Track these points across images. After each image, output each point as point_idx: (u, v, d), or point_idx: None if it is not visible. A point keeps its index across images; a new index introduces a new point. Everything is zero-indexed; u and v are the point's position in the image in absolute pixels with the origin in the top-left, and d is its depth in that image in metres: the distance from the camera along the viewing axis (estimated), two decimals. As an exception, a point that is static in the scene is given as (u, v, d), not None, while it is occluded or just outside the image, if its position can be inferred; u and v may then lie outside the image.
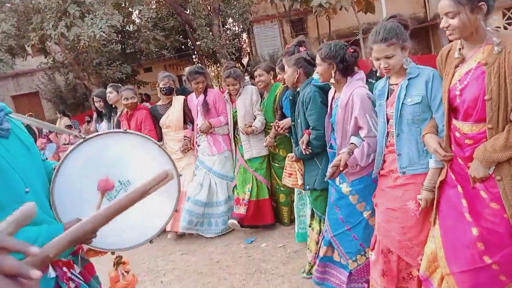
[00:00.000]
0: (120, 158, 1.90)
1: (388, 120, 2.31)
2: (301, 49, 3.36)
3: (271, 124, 4.15)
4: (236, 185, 4.46)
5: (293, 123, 3.31)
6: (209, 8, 16.61)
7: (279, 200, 4.34)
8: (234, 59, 19.68)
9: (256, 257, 3.80)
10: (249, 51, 22.90)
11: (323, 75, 2.63)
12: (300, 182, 3.15)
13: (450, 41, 1.98)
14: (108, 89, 5.03)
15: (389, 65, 2.16)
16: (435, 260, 2.13)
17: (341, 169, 2.46)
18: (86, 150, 1.80)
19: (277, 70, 3.84)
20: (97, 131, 5.21)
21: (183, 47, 21.95)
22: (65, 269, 1.60)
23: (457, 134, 1.95)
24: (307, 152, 2.94)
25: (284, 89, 3.88)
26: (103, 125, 5.18)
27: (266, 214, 4.37)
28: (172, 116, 4.60)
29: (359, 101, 2.47)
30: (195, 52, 21.49)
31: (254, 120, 4.31)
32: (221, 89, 5.94)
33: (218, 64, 20.06)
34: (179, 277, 3.67)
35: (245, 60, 23.96)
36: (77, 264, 1.72)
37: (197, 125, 4.50)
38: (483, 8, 1.76)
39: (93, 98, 5.24)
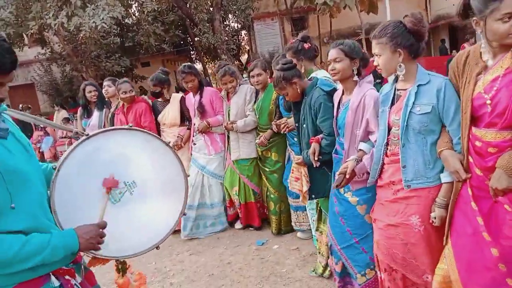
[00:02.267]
0: (125, 157, 1.76)
1: (390, 128, 2.17)
2: (305, 45, 3.19)
3: (264, 126, 4.01)
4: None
5: (297, 124, 3.12)
6: (210, 3, 16.45)
7: (269, 208, 4.15)
8: (233, 55, 19.53)
9: (269, 259, 3.63)
10: (248, 48, 22.75)
11: (344, 72, 2.45)
12: (305, 188, 2.99)
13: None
14: (106, 83, 4.89)
15: (378, 64, 2.08)
16: (448, 282, 1.99)
17: (347, 176, 2.31)
18: (88, 148, 1.65)
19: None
20: (83, 128, 5.02)
21: (181, 42, 21.73)
22: (67, 277, 1.52)
23: (478, 143, 1.81)
24: (317, 165, 2.77)
25: None
26: (94, 117, 4.98)
27: (253, 217, 4.29)
28: (168, 113, 4.54)
29: (372, 102, 2.34)
30: (194, 48, 21.31)
31: None
32: (218, 87, 5.76)
33: (218, 60, 19.92)
34: (189, 278, 3.51)
35: (243, 58, 23.81)
36: (79, 274, 1.61)
37: (194, 124, 4.39)
38: None
39: (84, 89, 5.00)
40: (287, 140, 3.77)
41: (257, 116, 4.07)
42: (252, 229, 4.35)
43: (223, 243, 4.15)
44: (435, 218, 2.00)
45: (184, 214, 1.93)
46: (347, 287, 2.78)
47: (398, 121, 2.08)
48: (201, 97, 4.31)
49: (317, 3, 11.53)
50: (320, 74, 3.14)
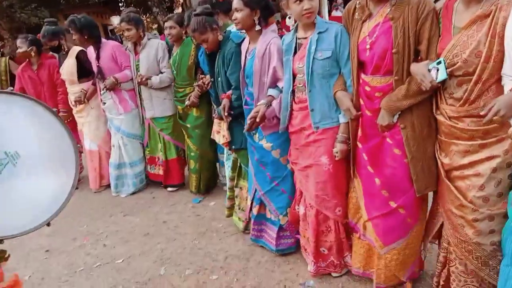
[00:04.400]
0: (4, 124, 1.56)
1: (295, 76, 2.29)
2: None
3: (183, 83, 3.83)
4: (147, 143, 4.26)
5: (212, 79, 3.11)
6: (137, -50, 15.18)
7: (190, 167, 4.04)
8: (166, 8, 18.45)
9: (205, 216, 3.62)
10: (182, 1, 21.65)
11: (244, 22, 2.49)
12: (222, 141, 3.04)
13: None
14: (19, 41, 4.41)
15: (312, 7, 2.10)
16: (359, 208, 2.29)
17: (258, 120, 2.40)
18: None
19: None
20: None
21: (109, -7, 20.11)
22: None
23: (367, 88, 2.04)
24: (228, 119, 2.85)
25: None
26: None
27: (174, 174, 4.23)
28: (66, 69, 4.22)
29: (276, 51, 2.41)
30: (122, 0, 19.88)
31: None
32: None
33: (149, 13, 18.77)
34: (123, 239, 3.38)
35: (178, 11, 22.69)
36: None
37: (98, 82, 4.12)
38: None
39: None
40: (211, 96, 3.62)
41: (175, 73, 3.86)
42: (172, 189, 4.26)
43: (159, 203, 4.06)
44: (337, 152, 2.22)
45: (77, 188, 1.77)
46: (262, 234, 2.90)
47: (302, 68, 2.21)
48: (98, 58, 3.99)
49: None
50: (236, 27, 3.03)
